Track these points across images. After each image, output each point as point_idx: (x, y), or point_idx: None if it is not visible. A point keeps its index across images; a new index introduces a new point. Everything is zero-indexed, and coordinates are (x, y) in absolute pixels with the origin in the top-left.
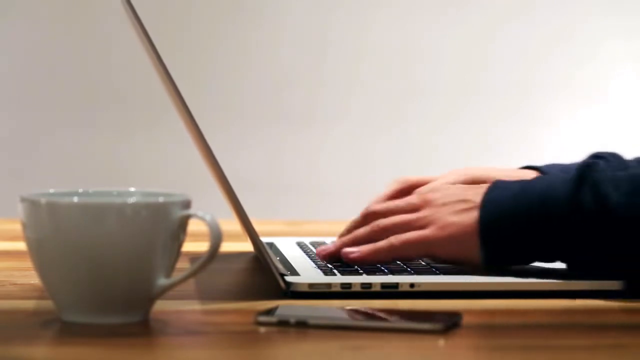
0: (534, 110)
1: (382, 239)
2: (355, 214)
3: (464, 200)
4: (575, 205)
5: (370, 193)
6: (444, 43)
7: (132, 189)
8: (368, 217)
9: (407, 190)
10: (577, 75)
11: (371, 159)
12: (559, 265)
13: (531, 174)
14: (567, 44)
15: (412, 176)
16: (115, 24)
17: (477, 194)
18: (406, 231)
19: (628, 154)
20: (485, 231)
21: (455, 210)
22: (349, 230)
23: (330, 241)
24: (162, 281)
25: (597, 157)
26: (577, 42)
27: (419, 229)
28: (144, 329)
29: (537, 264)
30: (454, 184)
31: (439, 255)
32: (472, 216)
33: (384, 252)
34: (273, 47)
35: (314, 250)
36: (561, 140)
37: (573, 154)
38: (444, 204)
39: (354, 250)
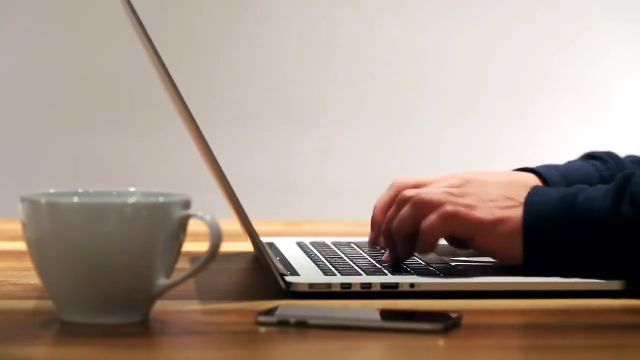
0: (540, 112)
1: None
2: (358, 215)
3: (509, 198)
4: (615, 217)
5: (375, 194)
6: (451, 45)
7: (132, 189)
8: (400, 203)
9: None
10: (584, 78)
11: (376, 161)
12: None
13: (528, 177)
14: (574, 47)
15: (408, 179)
16: (114, 24)
17: (519, 194)
18: None
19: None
20: (528, 229)
21: (500, 206)
22: (383, 211)
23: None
24: (162, 281)
25: (592, 157)
26: (583, 45)
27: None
28: (144, 329)
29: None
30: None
31: (479, 243)
32: (517, 213)
33: (437, 224)
34: (277, 47)
35: (314, 250)
36: (566, 141)
37: (578, 155)
38: (490, 198)
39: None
